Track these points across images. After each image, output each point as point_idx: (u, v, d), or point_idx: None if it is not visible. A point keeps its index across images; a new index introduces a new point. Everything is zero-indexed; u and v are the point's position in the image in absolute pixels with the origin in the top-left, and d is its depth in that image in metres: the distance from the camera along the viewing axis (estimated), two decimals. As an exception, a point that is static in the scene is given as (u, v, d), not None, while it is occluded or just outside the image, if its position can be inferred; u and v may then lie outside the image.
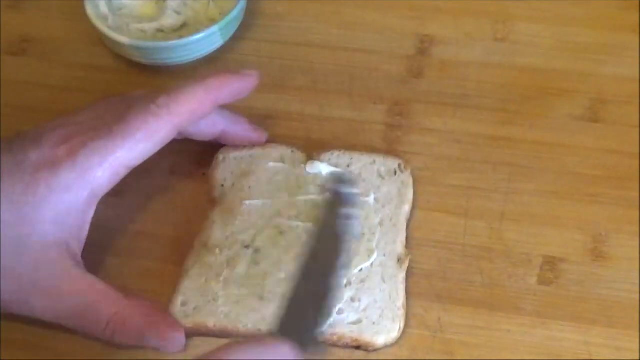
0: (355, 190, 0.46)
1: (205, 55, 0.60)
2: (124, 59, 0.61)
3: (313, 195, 0.52)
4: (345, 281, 0.48)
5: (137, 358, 0.48)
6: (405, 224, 0.51)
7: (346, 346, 0.47)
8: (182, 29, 0.61)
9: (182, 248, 0.51)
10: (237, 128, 0.54)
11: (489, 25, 0.62)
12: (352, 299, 0.48)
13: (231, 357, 0.39)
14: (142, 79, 0.61)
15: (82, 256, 0.48)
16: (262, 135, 0.55)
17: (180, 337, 0.47)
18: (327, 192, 0.45)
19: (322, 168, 0.52)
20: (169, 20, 0.61)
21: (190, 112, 0.49)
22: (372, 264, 0.49)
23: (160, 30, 0.61)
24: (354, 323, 0.47)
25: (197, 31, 0.59)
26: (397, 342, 0.47)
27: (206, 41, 0.59)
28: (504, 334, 0.48)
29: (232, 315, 0.47)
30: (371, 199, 0.52)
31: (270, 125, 0.56)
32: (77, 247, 0.48)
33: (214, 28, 0.59)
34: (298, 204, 0.51)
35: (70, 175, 0.46)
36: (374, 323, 0.47)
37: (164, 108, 0.48)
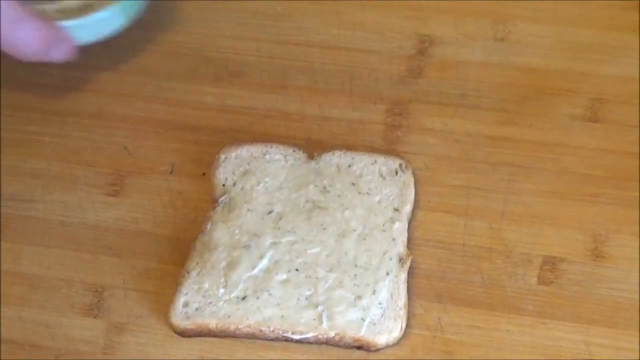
0: None
1: (108, 35, 0.58)
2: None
3: (314, 195, 0.52)
4: (346, 281, 0.49)
5: (137, 358, 0.48)
6: (407, 223, 0.51)
7: (347, 346, 0.47)
8: (84, 10, 0.58)
9: (182, 248, 0.51)
10: (24, 32, 0.47)
11: (489, 25, 0.62)
12: (354, 299, 0.48)
13: None
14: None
15: (81, 256, 0.48)
16: (64, 49, 0.52)
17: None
18: None
19: None
20: (69, 0, 0.58)
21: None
22: (374, 264, 0.49)
23: (61, 12, 0.58)
24: (356, 322, 0.47)
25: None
26: (397, 342, 0.48)
27: (108, 22, 0.57)
28: (503, 334, 0.48)
29: (234, 316, 0.47)
30: (374, 199, 0.52)
31: (271, 125, 0.56)
32: None
33: (115, 7, 0.57)
34: (299, 204, 0.52)
35: None
36: (375, 323, 0.47)
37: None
